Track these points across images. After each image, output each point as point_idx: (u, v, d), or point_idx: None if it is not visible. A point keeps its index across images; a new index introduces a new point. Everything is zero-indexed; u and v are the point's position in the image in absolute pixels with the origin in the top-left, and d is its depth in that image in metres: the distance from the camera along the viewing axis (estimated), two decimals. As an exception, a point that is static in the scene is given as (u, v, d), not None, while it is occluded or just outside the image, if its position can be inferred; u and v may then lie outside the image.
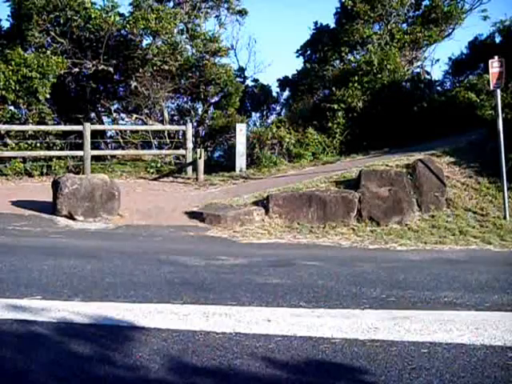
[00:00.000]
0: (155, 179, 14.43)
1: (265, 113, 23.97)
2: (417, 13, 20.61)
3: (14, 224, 9.12)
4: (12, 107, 15.35)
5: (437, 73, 24.23)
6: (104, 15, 17.00)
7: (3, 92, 14.49)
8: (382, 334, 4.07)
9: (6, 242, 7.71)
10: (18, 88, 14.64)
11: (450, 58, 22.88)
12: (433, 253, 8.20)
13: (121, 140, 18.49)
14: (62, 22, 16.90)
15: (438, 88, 21.29)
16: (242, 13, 21.03)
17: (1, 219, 9.42)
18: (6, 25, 18.83)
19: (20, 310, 4.39)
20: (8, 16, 17.94)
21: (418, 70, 21.31)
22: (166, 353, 3.66)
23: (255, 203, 10.45)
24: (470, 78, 19.95)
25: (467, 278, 6.12)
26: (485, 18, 20.01)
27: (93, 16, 16.75)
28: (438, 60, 23.30)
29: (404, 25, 20.83)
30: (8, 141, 14.84)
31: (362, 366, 3.52)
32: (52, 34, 16.96)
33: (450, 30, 20.78)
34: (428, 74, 21.42)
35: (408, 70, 19.61)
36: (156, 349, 3.72)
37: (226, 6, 20.61)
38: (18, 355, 3.55)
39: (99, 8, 17.30)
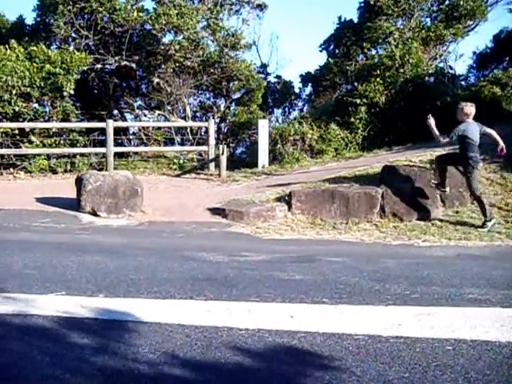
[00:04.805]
0: (178, 176, 14.46)
1: (287, 109, 23.96)
2: (441, 6, 20.42)
3: (39, 220, 9.21)
4: (36, 105, 15.50)
5: (461, 67, 24.11)
6: (128, 7, 17.12)
7: (28, 89, 14.64)
8: (405, 331, 4.04)
9: (31, 238, 7.80)
10: (42, 85, 14.79)
11: (474, 53, 22.67)
12: (457, 249, 8.11)
13: (143, 137, 18.59)
14: (86, 12, 17.03)
15: (462, 83, 21.08)
16: (262, 6, 20.94)
17: (26, 216, 9.52)
18: (29, 21, 19.16)
19: (46, 305, 4.44)
20: (34, 7, 18.21)
21: (442, 64, 21.14)
22: (189, 349, 3.67)
23: (278, 199, 10.44)
24: (495, 72, 19.72)
25: (492, 275, 6.05)
26: (511, 10, 19.77)
27: (117, 8, 16.88)
28: (462, 55, 23.03)
29: (427, 19, 20.66)
30: (32, 138, 14.99)
31: (386, 362, 3.50)
32: (76, 26, 17.09)
33: (474, 25, 20.56)
34: (451, 68, 21.25)
35: (431, 65, 19.45)
36: (179, 344, 3.73)
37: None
38: (43, 350, 3.59)
39: (124, 0, 17.41)
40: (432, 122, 9.43)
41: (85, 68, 16.30)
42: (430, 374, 3.33)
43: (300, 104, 24.34)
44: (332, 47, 23.04)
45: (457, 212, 9.97)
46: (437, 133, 9.38)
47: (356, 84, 17.09)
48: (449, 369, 3.41)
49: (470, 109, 9.31)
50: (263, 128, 14.84)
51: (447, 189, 9.89)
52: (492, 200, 10.22)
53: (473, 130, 9.26)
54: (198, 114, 21.27)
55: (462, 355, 3.62)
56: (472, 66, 22.77)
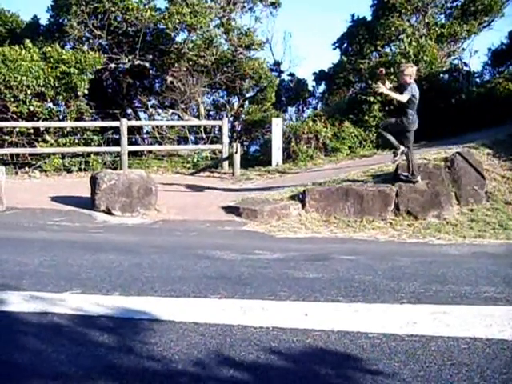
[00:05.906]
0: (191, 174, 14.49)
1: (301, 107, 23.94)
2: (455, 3, 20.29)
3: (54, 219, 9.27)
4: (51, 104, 15.60)
5: (475, 64, 23.84)
6: (141, 7, 17.17)
7: (43, 89, 14.73)
8: (420, 329, 4.02)
9: (46, 237, 7.84)
10: (57, 84, 14.89)
11: (489, 49, 22.50)
12: (472, 247, 8.07)
13: (157, 135, 18.64)
14: (99, 12, 17.10)
15: (477, 79, 20.93)
16: (275, 4, 20.87)
17: (41, 215, 9.58)
18: (43, 21, 19.32)
19: (61, 304, 4.46)
20: (48, 8, 18.34)
21: (456, 61, 21.00)
22: (203, 347, 3.67)
23: (292, 197, 10.42)
24: (511, 69, 19.57)
25: (508, 273, 6.01)
26: None
27: (130, 7, 16.93)
28: (476, 51, 22.76)
29: (442, 16, 20.55)
30: (47, 137, 15.09)
31: (401, 361, 3.49)
32: (90, 26, 17.17)
33: (490, 21, 20.39)
34: (466, 65, 21.09)
35: (445, 62, 19.33)
36: (194, 343, 3.73)
37: (259, -2, 20.51)
38: (59, 348, 3.60)
39: (137, 0, 17.46)
40: (384, 88, 9.32)
41: (99, 67, 16.37)
42: (445, 373, 3.32)
43: (314, 102, 24.34)
44: (345, 45, 22.98)
45: (472, 210, 9.91)
46: (396, 94, 9.35)
47: (370, 82, 17.00)
48: (464, 367, 3.39)
49: (411, 69, 9.38)
50: (277, 126, 14.83)
51: (401, 146, 9.82)
52: (508, 198, 10.16)
53: (416, 89, 9.39)
54: (211, 113, 21.30)
55: (477, 354, 3.59)
56: (487, 62, 22.61)
